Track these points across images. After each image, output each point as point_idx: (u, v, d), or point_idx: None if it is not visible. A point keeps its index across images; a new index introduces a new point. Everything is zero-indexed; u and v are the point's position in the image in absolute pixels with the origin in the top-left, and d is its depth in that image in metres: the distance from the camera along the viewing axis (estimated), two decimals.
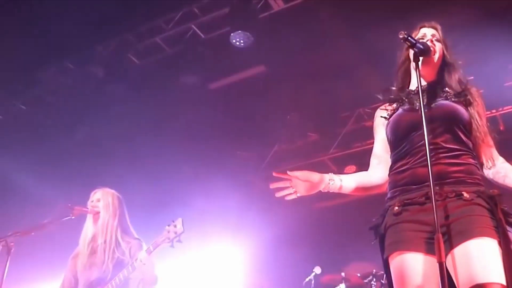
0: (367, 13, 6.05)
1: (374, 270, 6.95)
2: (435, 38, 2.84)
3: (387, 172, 2.83)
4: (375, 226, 2.77)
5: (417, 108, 2.69)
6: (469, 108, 2.73)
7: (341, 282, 7.16)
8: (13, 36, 6.51)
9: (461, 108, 2.71)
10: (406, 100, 2.81)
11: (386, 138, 2.87)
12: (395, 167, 2.74)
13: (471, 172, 2.60)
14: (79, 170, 7.62)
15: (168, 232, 4.08)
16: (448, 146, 2.62)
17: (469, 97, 2.76)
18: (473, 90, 2.82)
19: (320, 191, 2.89)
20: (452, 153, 2.61)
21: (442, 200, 2.51)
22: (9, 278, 3.83)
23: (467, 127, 2.70)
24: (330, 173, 2.91)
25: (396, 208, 2.62)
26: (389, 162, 2.83)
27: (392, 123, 2.81)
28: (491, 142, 2.77)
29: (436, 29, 2.89)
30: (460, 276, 2.39)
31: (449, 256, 2.43)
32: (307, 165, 8.47)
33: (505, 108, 7.12)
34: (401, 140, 2.73)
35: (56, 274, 4.84)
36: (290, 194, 2.89)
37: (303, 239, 8.37)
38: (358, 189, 2.92)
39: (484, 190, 2.55)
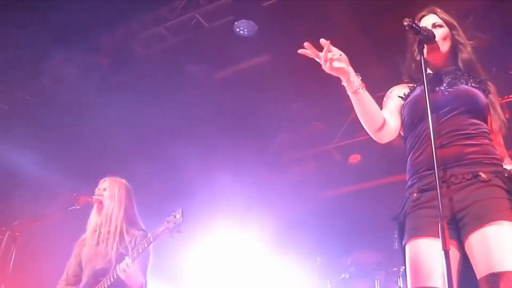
0: (372, 1, 6.01)
1: (379, 260, 6.96)
2: (438, 24, 2.82)
3: (393, 128, 2.79)
4: (396, 216, 2.75)
5: (436, 90, 2.70)
6: (489, 96, 2.73)
7: (347, 270, 7.19)
8: (18, 27, 6.50)
9: (480, 95, 2.70)
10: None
11: (395, 111, 2.84)
12: (411, 153, 2.73)
13: (488, 152, 2.58)
14: (85, 160, 7.63)
15: (168, 222, 4.02)
16: (464, 128, 2.61)
17: (489, 85, 2.77)
18: (488, 82, 2.82)
19: None
20: (468, 135, 2.60)
21: (459, 183, 2.51)
22: (14, 267, 3.84)
23: (484, 113, 2.69)
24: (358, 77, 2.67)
25: (415, 195, 2.62)
26: (395, 127, 2.81)
27: (411, 103, 2.80)
28: (501, 140, 2.78)
29: (435, 13, 2.87)
30: (478, 263, 2.39)
31: (467, 242, 2.43)
32: (312, 154, 8.47)
33: (510, 96, 7.08)
34: (418, 122, 2.72)
35: (61, 264, 4.85)
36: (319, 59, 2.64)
37: (309, 228, 8.37)
38: (367, 110, 2.75)
39: (502, 170, 2.53)
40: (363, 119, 2.77)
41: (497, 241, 2.35)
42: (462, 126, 2.62)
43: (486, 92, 2.74)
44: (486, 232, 2.38)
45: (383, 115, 2.78)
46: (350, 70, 2.64)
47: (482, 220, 2.40)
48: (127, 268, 3.93)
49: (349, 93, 2.70)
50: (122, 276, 3.94)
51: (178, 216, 4.01)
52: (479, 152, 2.56)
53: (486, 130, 2.67)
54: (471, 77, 2.77)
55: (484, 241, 2.38)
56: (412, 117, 2.76)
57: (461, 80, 2.74)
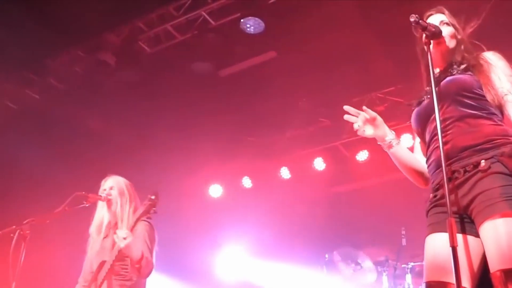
0: None
1: (388, 256, 6.96)
2: (445, 22, 2.83)
3: None
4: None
5: (427, 98, 2.74)
6: (477, 74, 2.68)
7: (355, 266, 7.19)
8: (24, 25, 6.53)
9: (463, 77, 2.68)
10: (424, 93, 2.85)
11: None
12: (426, 158, 2.78)
13: (487, 135, 2.54)
14: (92, 158, 7.66)
15: (144, 205, 4.19)
16: (460, 118, 2.60)
17: (472, 63, 2.73)
18: (485, 54, 2.78)
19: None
20: (465, 123, 2.59)
21: (462, 177, 2.51)
22: (25, 265, 3.87)
23: (474, 91, 2.64)
24: (391, 131, 2.89)
25: (431, 195, 2.68)
26: None
27: (412, 118, 2.88)
28: (509, 109, 2.64)
29: (443, 12, 2.88)
30: (488, 259, 2.39)
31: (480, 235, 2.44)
32: (319, 150, 8.47)
33: None
34: (423, 131, 2.79)
35: (71, 262, 4.88)
36: (357, 129, 2.86)
37: (316, 225, 8.38)
38: (404, 164, 2.89)
39: (503, 152, 2.48)
40: (406, 174, 2.95)
41: (494, 238, 2.35)
42: (457, 117, 2.61)
43: (467, 71, 2.71)
44: (485, 229, 2.39)
45: (422, 163, 2.89)
46: (384, 131, 2.86)
47: (483, 215, 2.40)
48: (125, 235, 4.05)
49: (386, 150, 2.91)
50: (122, 244, 4.03)
51: (153, 197, 4.18)
52: (479, 137, 2.53)
53: (486, 109, 2.62)
54: (455, 66, 2.77)
55: (484, 237, 2.40)
56: (417, 129, 2.86)
57: (448, 74, 2.75)
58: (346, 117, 2.89)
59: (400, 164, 2.90)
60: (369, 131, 2.83)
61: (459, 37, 2.84)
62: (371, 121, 2.83)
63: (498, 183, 2.40)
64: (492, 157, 2.47)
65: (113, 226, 4.45)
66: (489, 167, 2.45)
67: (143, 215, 4.19)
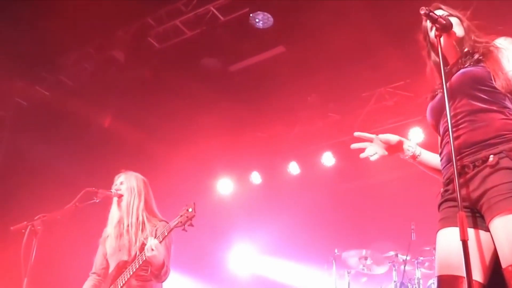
0: None
1: (397, 250, 6.95)
2: (446, 15, 2.80)
3: None
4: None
5: (440, 92, 2.69)
6: (487, 63, 2.63)
7: (364, 261, 7.18)
8: (35, 23, 6.56)
9: (475, 69, 2.64)
10: (439, 86, 2.81)
11: None
12: (439, 152, 2.78)
13: (498, 129, 2.51)
14: (101, 154, 7.70)
15: (181, 216, 4.05)
16: (471, 113, 2.58)
17: (482, 51, 2.68)
18: (496, 41, 2.73)
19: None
20: (476, 118, 2.56)
21: (471, 171, 2.50)
22: (36, 260, 3.90)
23: (487, 83, 2.60)
24: (410, 140, 2.96)
25: (442, 189, 2.68)
26: None
27: (427, 112, 2.86)
28: None
29: (440, 8, 2.84)
30: (499, 254, 2.38)
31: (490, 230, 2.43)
32: (328, 145, 8.46)
33: None
34: (436, 126, 2.78)
35: (82, 258, 4.92)
36: (372, 155, 2.92)
37: (326, 219, 8.38)
38: (435, 169, 2.90)
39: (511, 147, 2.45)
40: (437, 177, 2.92)
41: (504, 234, 2.34)
42: (468, 112, 2.58)
43: (480, 62, 2.66)
44: (495, 225, 2.37)
45: None
46: (398, 140, 2.91)
47: (492, 212, 2.38)
48: (154, 247, 3.98)
49: (409, 160, 2.95)
50: (149, 254, 3.98)
51: (190, 210, 4.05)
52: (488, 132, 2.50)
53: (498, 103, 2.58)
54: (467, 57, 2.73)
55: (495, 234, 2.38)
56: (431, 124, 2.84)
57: (459, 68, 2.72)
58: (353, 146, 2.96)
59: (429, 170, 2.92)
60: (385, 153, 2.91)
61: (464, 24, 2.79)
62: (386, 143, 2.90)
63: (507, 178, 2.39)
64: (501, 152, 2.45)
65: (126, 221, 4.44)
66: (498, 162, 2.43)
67: (178, 226, 4.04)
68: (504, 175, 2.40)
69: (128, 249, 4.33)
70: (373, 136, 2.91)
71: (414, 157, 2.89)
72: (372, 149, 2.91)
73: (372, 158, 2.90)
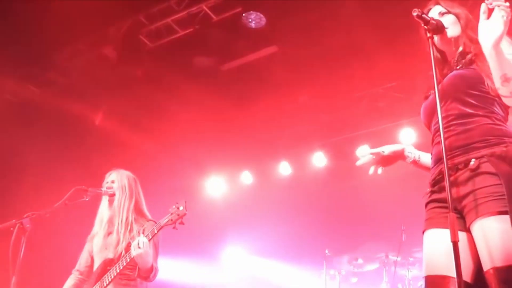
0: None
1: (388, 251, 6.96)
2: (443, 12, 2.80)
3: None
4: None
5: (432, 93, 2.69)
6: (479, 65, 2.63)
7: (355, 262, 7.20)
8: (25, 19, 6.51)
9: (467, 72, 2.65)
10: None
11: None
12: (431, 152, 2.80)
13: (482, 134, 2.52)
14: (92, 152, 7.66)
15: (171, 214, 3.99)
16: (458, 117, 2.60)
17: (475, 52, 2.66)
18: None
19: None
20: (463, 121, 2.57)
21: (454, 174, 2.51)
22: (24, 259, 3.86)
23: (477, 87, 2.60)
24: (409, 146, 3.02)
25: (428, 189, 2.70)
26: None
27: (421, 112, 2.90)
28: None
29: (439, 3, 2.84)
30: (481, 258, 2.40)
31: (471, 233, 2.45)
32: (321, 145, 8.46)
33: None
34: (430, 125, 2.80)
35: (71, 256, 4.89)
36: (377, 169, 3.02)
37: (316, 220, 8.39)
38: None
39: (493, 152, 2.45)
40: None
41: (482, 237, 2.36)
42: (457, 114, 2.60)
43: (472, 63, 2.66)
44: (475, 228, 2.41)
45: None
46: (402, 148, 2.99)
47: (473, 214, 2.41)
48: (141, 245, 3.91)
49: (414, 166, 3.02)
50: (135, 252, 3.91)
51: (181, 208, 3.99)
52: (473, 136, 2.52)
53: (486, 108, 2.58)
54: (461, 57, 2.73)
55: (475, 237, 2.42)
56: (425, 125, 2.88)
57: (452, 69, 2.72)
58: (359, 163, 3.04)
59: (428, 171, 2.88)
60: (386, 165, 3.01)
61: (462, 22, 2.78)
62: (383, 157, 2.98)
63: (486, 182, 2.41)
64: (482, 157, 2.46)
65: (115, 220, 4.42)
66: (478, 167, 2.45)
67: (168, 224, 3.97)
68: (484, 179, 2.42)
69: (114, 248, 4.30)
70: (379, 150, 2.98)
71: (415, 162, 2.95)
72: (375, 162, 3.00)
73: (380, 172, 3.00)
